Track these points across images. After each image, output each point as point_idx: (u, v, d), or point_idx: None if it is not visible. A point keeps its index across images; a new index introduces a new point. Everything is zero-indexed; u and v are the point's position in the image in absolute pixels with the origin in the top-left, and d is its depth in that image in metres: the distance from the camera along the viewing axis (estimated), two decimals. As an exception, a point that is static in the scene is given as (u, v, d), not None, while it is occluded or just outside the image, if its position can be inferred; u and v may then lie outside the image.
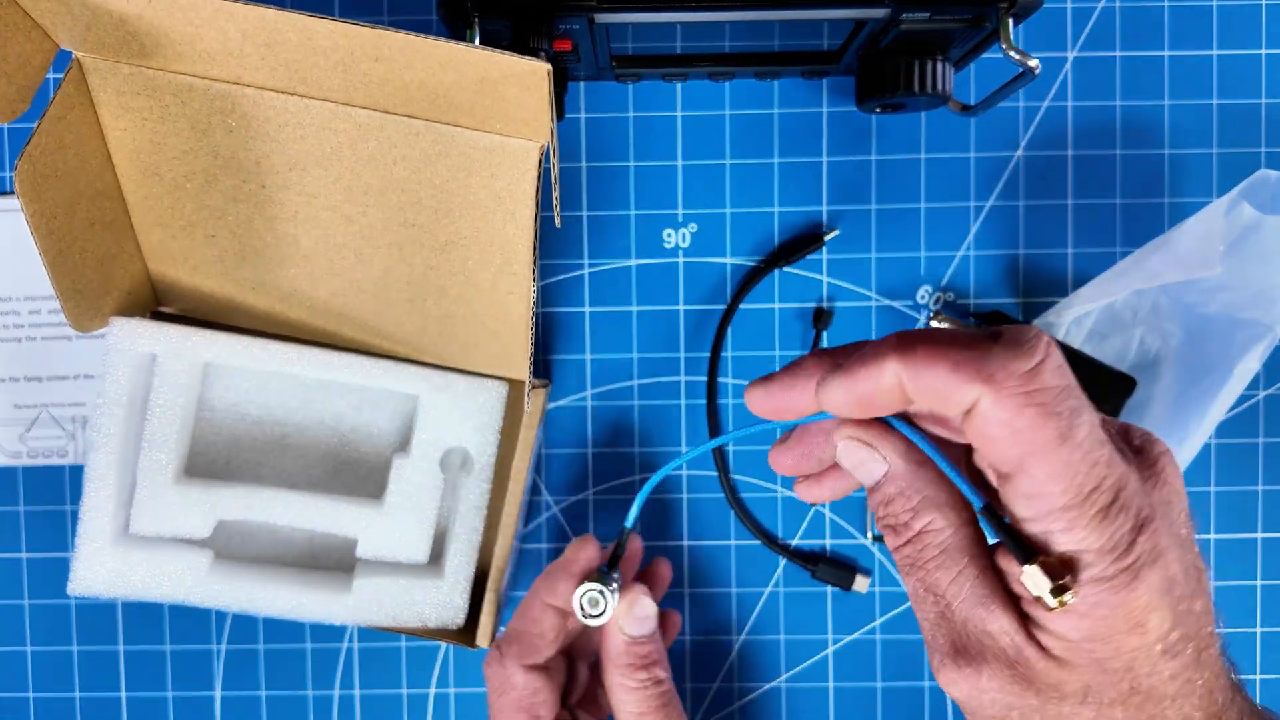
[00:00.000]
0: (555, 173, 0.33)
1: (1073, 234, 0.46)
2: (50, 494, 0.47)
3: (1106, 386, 0.43)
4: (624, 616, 0.37)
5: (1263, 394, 0.47)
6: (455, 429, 0.42)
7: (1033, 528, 0.24)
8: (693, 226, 0.47)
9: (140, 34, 0.33)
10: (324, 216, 0.39)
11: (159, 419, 0.41)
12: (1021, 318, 0.46)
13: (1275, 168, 0.44)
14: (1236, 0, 0.46)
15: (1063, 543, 0.23)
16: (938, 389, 0.24)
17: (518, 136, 0.34)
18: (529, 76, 0.30)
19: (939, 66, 0.40)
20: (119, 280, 0.41)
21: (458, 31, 0.37)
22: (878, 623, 0.47)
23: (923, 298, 0.47)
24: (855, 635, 0.47)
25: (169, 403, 0.41)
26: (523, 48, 0.37)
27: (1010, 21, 0.36)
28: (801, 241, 0.46)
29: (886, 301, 0.47)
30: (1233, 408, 0.46)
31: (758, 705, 0.47)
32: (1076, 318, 0.45)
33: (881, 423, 0.27)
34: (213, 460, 0.44)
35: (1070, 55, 0.46)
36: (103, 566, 0.41)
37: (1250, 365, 0.43)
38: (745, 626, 0.47)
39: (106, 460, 0.41)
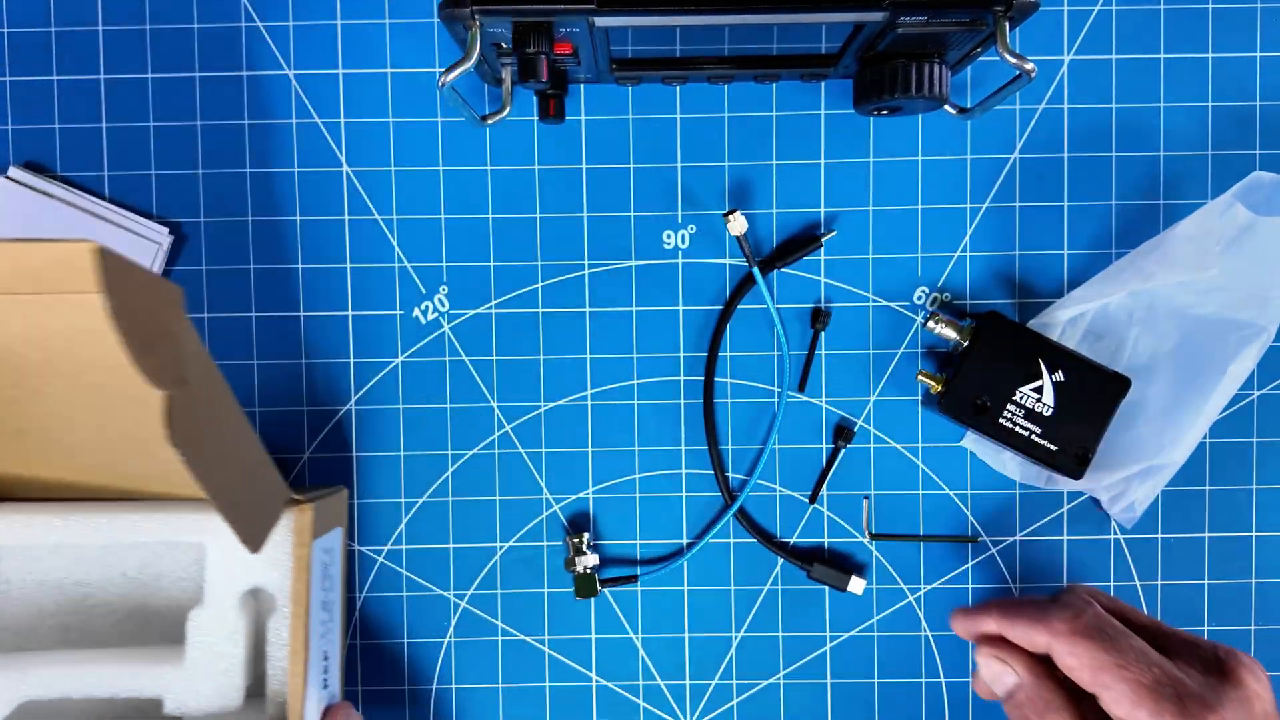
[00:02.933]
0: (122, 337, 0.29)
1: (1068, 235, 0.47)
2: None
3: (1101, 387, 0.44)
4: None
5: (1256, 394, 0.47)
6: (248, 568, 0.40)
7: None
8: (691, 228, 0.47)
9: None
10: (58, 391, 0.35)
11: None
12: (1017, 318, 0.47)
13: (1270, 170, 0.44)
14: (1232, 3, 0.46)
15: None
16: (1020, 638, 0.37)
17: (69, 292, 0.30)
18: (75, 258, 0.28)
19: (936, 69, 0.40)
20: None
21: (458, 33, 0.37)
22: (875, 619, 0.48)
23: (920, 298, 0.47)
24: (853, 632, 0.48)
25: None
26: (523, 50, 0.37)
27: (1007, 25, 0.36)
28: (799, 242, 0.47)
29: (884, 302, 0.47)
30: (1227, 408, 0.47)
31: (756, 701, 0.48)
32: (1072, 318, 0.45)
33: (1010, 644, 0.38)
34: (17, 631, 0.43)
35: (1066, 58, 0.46)
36: None
37: (1245, 365, 0.43)
38: (744, 623, 0.48)
39: None
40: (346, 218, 0.47)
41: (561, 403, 0.47)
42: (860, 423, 0.47)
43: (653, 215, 0.47)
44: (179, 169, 0.47)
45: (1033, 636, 0.36)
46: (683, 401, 0.47)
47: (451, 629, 0.48)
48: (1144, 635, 0.35)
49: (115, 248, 0.46)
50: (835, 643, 0.48)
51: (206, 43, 0.47)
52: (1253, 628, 0.47)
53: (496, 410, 0.47)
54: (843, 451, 0.47)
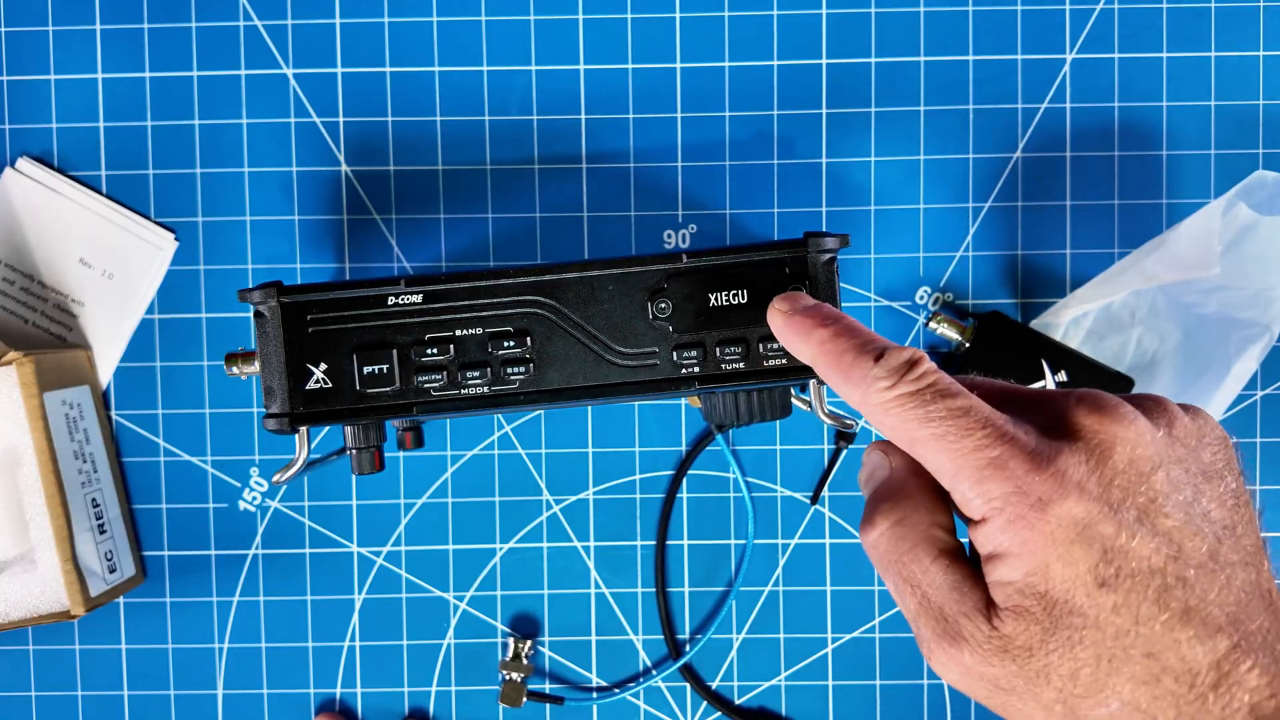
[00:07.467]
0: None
1: (1071, 235, 0.47)
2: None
3: (1104, 387, 0.43)
4: None
5: (1260, 394, 0.47)
6: None
7: (956, 498, 0.26)
8: (692, 227, 0.47)
9: None
10: None
11: None
12: (1020, 318, 0.46)
13: (1272, 169, 0.44)
14: (1234, 2, 0.46)
15: (978, 502, 0.26)
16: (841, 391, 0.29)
17: None
18: None
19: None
20: None
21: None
22: (876, 621, 0.47)
23: (922, 298, 0.47)
24: (855, 634, 0.47)
25: None
26: (355, 448, 0.38)
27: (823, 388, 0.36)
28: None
29: (886, 302, 0.47)
30: (1230, 408, 0.47)
31: (757, 703, 0.48)
32: (1075, 318, 0.45)
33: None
34: None
35: (1069, 57, 0.46)
36: None
37: (1248, 365, 0.43)
38: (745, 624, 0.48)
39: None
40: (345, 218, 0.47)
41: (562, 403, 0.47)
42: (862, 423, 0.47)
43: (653, 214, 0.47)
44: (177, 168, 0.47)
45: (847, 394, 0.28)
46: (683, 401, 0.47)
47: (451, 630, 0.48)
48: (992, 400, 0.28)
49: (117, 249, 0.46)
50: (837, 644, 0.47)
51: (204, 42, 0.46)
52: (1256, 629, 0.47)
53: (496, 411, 0.47)
54: (844, 452, 0.47)
